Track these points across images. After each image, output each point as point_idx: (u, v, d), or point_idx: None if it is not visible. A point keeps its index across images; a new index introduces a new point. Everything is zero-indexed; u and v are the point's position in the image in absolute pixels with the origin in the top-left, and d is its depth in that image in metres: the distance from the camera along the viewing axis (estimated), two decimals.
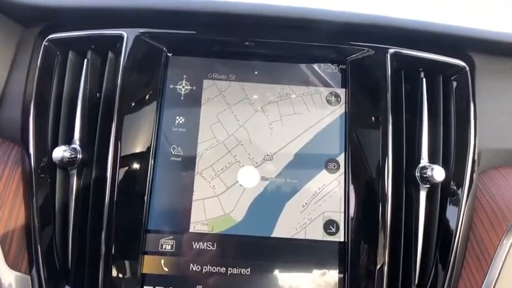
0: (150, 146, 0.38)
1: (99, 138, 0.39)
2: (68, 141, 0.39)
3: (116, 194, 0.36)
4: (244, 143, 0.39)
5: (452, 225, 0.38)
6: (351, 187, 0.38)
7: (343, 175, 0.38)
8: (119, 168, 0.36)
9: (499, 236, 0.38)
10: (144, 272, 0.36)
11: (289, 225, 0.37)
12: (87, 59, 0.41)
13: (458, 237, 0.38)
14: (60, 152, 0.37)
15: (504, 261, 0.36)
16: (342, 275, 0.36)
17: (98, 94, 0.40)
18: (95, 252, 0.36)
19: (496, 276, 0.36)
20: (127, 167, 0.37)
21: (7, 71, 0.43)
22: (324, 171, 0.38)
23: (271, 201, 0.37)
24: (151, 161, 0.38)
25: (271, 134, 0.39)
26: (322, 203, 0.37)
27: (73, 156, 0.37)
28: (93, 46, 0.41)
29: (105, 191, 0.36)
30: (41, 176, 0.38)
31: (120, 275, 0.35)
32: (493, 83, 0.43)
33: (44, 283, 0.36)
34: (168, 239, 0.36)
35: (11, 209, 0.38)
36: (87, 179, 0.38)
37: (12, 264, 0.37)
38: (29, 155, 0.39)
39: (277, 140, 0.39)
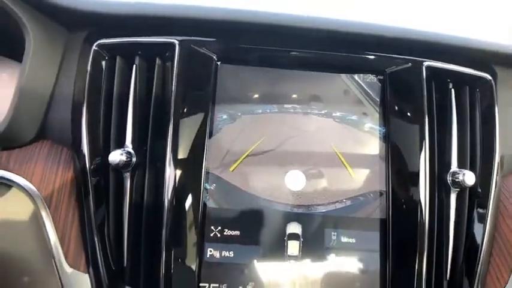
0: (204, 150, 0.40)
1: (151, 141, 0.40)
2: (120, 144, 0.40)
3: (174, 195, 0.38)
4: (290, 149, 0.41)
5: (480, 226, 0.42)
6: (391, 191, 0.40)
7: (384, 179, 0.41)
8: (176, 170, 0.38)
9: None
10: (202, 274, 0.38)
11: None
12: (136, 65, 0.42)
13: (486, 237, 0.41)
14: (117, 156, 0.38)
15: None
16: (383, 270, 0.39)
17: (146, 99, 0.42)
18: (151, 252, 0.38)
19: None
20: (183, 170, 0.39)
21: (55, 74, 0.44)
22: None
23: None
24: (204, 163, 0.39)
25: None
26: None
27: (128, 159, 0.39)
28: (140, 52, 0.43)
29: (162, 192, 0.38)
30: (95, 177, 0.40)
31: (179, 273, 0.37)
32: None
33: (103, 281, 0.38)
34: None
35: (67, 210, 0.40)
36: (140, 181, 0.40)
37: (72, 264, 0.38)
38: (82, 156, 0.40)
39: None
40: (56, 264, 0.38)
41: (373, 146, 0.42)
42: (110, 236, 0.39)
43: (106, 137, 0.41)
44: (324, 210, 0.40)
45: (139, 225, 0.39)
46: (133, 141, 0.40)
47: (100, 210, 0.39)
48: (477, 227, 0.42)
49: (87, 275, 0.39)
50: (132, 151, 0.39)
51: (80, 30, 0.44)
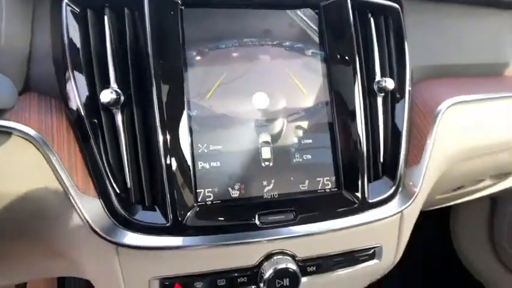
0: (183, 82, 0.47)
1: (134, 81, 0.46)
2: (106, 86, 0.46)
3: (164, 122, 0.45)
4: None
5: (400, 120, 0.55)
6: (334, 100, 0.51)
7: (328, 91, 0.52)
8: (162, 102, 0.45)
9: (430, 122, 0.56)
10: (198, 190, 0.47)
11: None
12: (107, 16, 0.47)
13: (405, 128, 0.54)
14: (108, 94, 0.44)
15: (435, 136, 0.55)
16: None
17: (122, 46, 0.47)
18: (150, 172, 0.46)
19: (431, 148, 0.55)
20: (168, 101, 0.46)
21: (30, 30, 0.47)
22: None
23: None
24: (185, 93, 0.47)
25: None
26: None
27: (117, 97, 0.45)
28: (108, 4, 0.47)
29: (153, 122, 0.45)
30: (88, 117, 0.45)
31: (179, 184, 0.45)
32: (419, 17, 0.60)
33: (113, 202, 0.45)
34: None
35: (69, 148, 0.45)
36: (130, 114, 0.46)
37: (83, 190, 0.45)
38: (73, 101, 0.45)
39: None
40: (69, 193, 0.44)
41: (317, 66, 0.52)
42: (112, 163, 0.46)
43: (91, 82, 0.46)
44: (286, 120, 0.50)
45: (136, 151, 0.46)
46: (117, 82, 0.46)
47: (99, 144, 0.45)
48: (398, 121, 0.55)
49: (97, 199, 0.45)
50: (119, 90, 0.45)
51: None
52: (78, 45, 0.46)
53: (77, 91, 0.45)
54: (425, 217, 0.59)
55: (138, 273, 0.47)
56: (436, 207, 0.90)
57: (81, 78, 0.46)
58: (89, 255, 0.49)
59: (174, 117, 0.46)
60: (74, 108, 0.45)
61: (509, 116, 0.64)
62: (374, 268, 0.55)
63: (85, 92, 0.46)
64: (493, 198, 1.11)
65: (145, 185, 0.46)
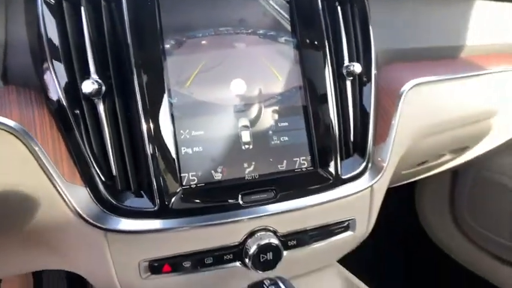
0: (163, 71, 0.48)
1: (114, 71, 0.47)
2: (86, 76, 0.47)
3: (147, 111, 0.47)
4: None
5: (368, 101, 0.59)
6: (307, 84, 0.55)
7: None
8: (144, 91, 0.47)
9: (394, 103, 0.61)
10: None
11: None
12: (83, 7, 0.47)
13: (372, 109, 0.59)
14: (89, 85, 0.45)
15: (400, 115, 0.59)
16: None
17: (100, 35, 0.48)
18: (135, 159, 0.47)
19: (396, 126, 0.59)
20: (150, 89, 0.47)
21: (4, 22, 0.47)
22: None
23: None
24: (166, 81, 0.48)
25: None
26: None
27: (99, 87, 0.46)
28: None
29: (135, 111, 0.47)
30: (70, 108, 0.46)
31: (164, 169, 0.47)
32: (382, 5, 0.64)
33: (100, 190, 0.46)
34: None
35: (53, 139, 0.46)
36: (112, 104, 0.47)
37: (70, 180, 0.46)
38: (54, 92, 0.46)
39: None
40: (56, 183, 0.45)
41: (290, 53, 0.55)
42: (96, 152, 0.47)
43: (71, 73, 0.47)
44: (263, 105, 0.53)
45: (120, 139, 0.47)
46: (98, 73, 0.47)
47: (82, 135, 0.46)
48: (366, 103, 0.59)
49: (83, 187, 0.46)
50: (100, 80, 0.46)
51: None
52: (56, 37, 0.46)
53: (57, 83, 0.46)
54: (392, 193, 0.64)
55: (127, 257, 0.49)
56: (402, 182, 0.96)
57: (61, 70, 0.46)
58: (78, 244, 0.51)
59: (156, 105, 0.48)
60: (55, 99, 0.46)
61: (465, 95, 0.70)
62: (349, 239, 0.60)
63: (66, 84, 0.46)
64: (454, 173, 1.20)
65: (130, 172, 0.48)
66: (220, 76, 0.52)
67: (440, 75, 0.66)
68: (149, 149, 0.47)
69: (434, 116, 0.67)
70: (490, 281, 1.17)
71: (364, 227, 0.61)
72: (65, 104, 0.46)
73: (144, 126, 0.47)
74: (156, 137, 0.47)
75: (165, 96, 0.48)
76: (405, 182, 0.96)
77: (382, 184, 0.61)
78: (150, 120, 0.47)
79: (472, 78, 0.70)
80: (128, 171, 0.48)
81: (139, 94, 0.47)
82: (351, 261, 0.68)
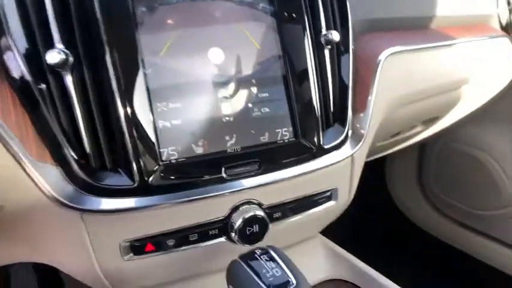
0: (135, 40, 0.45)
1: (81, 41, 0.44)
2: (50, 46, 0.43)
3: (120, 82, 0.44)
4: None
5: (346, 70, 0.58)
6: (286, 53, 0.53)
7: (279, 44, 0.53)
8: (115, 61, 0.43)
9: (371, 72, 0.60)
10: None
11: None
12: None
13: (351, 78, 0.58)
14: (55, 55, 0.41)
15: (377, 84, 0.59)
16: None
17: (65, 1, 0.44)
18: (109, 136, 0.44)
19: (374, 95, 0.59)
20: (122, 60, 0.44)
21: None
22: None
23: None
24: (139, 51, 0.45)
25: None
26: None
27: (66, 57, 0.42)
28: None
29: (107, 82, 0.43)
30: (35, 82, 0.42)
31: (142, 144, 0.45)
32: None
33: (73, 169, 0.43)
34: None
35: (16, 116, 0.42)
36: (80, 76, 0.44)
37: (39, 159, 0.42)
38: (15, 65, 0.42)
39: None
40: (23, 163, 0.41)
41: (268, 21, 0.53)
42: (66, 129, 0.43)
43: (33, 43, 0.43)
44: (243, 75, 0.51)
45: (91, 114, 0.44)
46: (63, 42, 0.43)
47: (49, 110, 0.43)
48: (345, 72, 0.58)
49: (54, 166, 0.43)
50: (66, 50, 0.43)
51: None
52: (13, 4, 0.42)
53: (18, 55, 0.42)
54: (364, 166, 0.65)
55: (107, 239, 0.47)
56: (376, 156, 0.98)
57: (22, 41, 0.42)
58: (52, 230, 0.47)
59: (129, 77, 0.45)
60: (17, 74, 0.42)
61: (439, 63, 0.71)
62: (332, 208, 0.60)
63: (28, 55, 0.42)
64: (421, 145, 1.24)
65: (105, 149, 0.45)
66: (196, 45, 0.49)
67: (416, 44, 0.67)
68: (124, 123, 0.44)
69: (410, 85, 0.68)
70: (453, 245, 1.23)
71: (345, 196, 0.61)
72: (28, 78, 0.42)
73: (118, 99, 0.44)
74: (131, 111, 0.44)
75: (139, 66, 0.45)
76: (378, 155, 0.98)
77: (361, 153, 0.61)
78: (124, 93, 0.44)
79: (447, 48, 0.71)
80: (103, 148, 0.45)
81: (110, 64, 0.43)
82: (331, 231, 0.69)
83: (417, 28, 0.72)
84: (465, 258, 1.19)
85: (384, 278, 0.62)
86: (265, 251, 0.44)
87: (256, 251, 0.44)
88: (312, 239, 0.67)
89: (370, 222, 1.40)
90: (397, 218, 1.38)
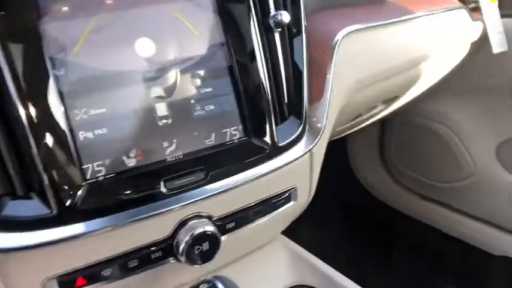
0: (39, 35, 0.36)
1: None
2: None
3: (24, 90, 0.35)
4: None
5: (299, 54, 0.52)
6: (231, 40, 0.46)
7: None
8: (14, 61, 0.35)
9: (328, 55, 0.54)
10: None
11: None
12: None
13: (305, 63, 0.52)
14: None
15: (334, 68, 0.53)
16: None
17: None
18: (20, 157, 0.36)
19: (331, 81, 0.54)
20: (23, 60, 0.35)
21: None
22: None
23: None
24: (44, 49, 0.36)
25: None
26: None
27: None
28: None
29: (6, 90, 0.35)
30: None
31: (60, 164, 0.37)
32: None
33: None
34: None
35: None
36: None
37: None
38: None
39: None
40: None
41: (207, 3, 0.45)
42: None
43: None
44: (179, 68, 0.43)
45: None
46: None
47: None
48: (298, 58, 0.52)
49: None
50: None
51: None
52: None
53: None
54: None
55: (25, 279, 0.39)
56: (334, 138, 0.94)
57: None
58: None
59: (35, 81, 0.36)
60: None
61: (398, 41, 0.67)
62: (292, 209, 0.55)
63: None
64: (382, 120, 1.22)
65: (12, 171, 0.36)
66: (119, 36, 0.41)
67: (372, 21, 0.61)
68: (32, 139, 0.35)
69: (370, 66, 0.63)
70: (416, 218, 1.25)
71: (306, 194, 0.56)
72: None
73: (21, 110, 0.35)
74: (42, 122, 0.36)
75: (47, 68, 0.36)
76: (337, 137, 0.94)
77: (320, 146, 0.56)
78: (30, 101, 0.35)
79: (406, 23, 0.66)
80: (9, 170, 0.36)
81: (5, 65, 0.34)
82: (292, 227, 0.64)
83: (371, 3, 0.66)
84: (428, 230, 1.21)
85: (349, 280, 0.59)
86: (211, 284, 0.38)
87: (201, 286, 0.38)
88: (274, 242, 0.63)
89: (332, 198, 1.39)
90: (359, 193, 1.37)
